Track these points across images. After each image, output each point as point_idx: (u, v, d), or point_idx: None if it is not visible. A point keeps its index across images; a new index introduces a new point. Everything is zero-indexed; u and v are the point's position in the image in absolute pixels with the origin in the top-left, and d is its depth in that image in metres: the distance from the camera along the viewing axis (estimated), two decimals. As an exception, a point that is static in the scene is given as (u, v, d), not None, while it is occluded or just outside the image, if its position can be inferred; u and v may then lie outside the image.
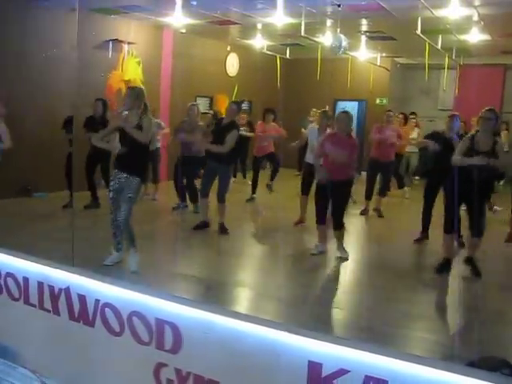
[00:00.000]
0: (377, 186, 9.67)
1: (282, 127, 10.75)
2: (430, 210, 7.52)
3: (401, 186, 11.01)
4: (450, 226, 6.13)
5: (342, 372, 2.41)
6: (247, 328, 2.68)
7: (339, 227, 6.68)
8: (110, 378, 3.24)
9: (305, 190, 8.41)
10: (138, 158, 5.77)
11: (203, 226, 7.93)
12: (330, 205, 6.66)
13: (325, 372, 2.45)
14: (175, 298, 3.01)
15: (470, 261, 6.16)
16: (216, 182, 7.81)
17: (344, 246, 6.83)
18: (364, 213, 9.46)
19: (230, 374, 2.77)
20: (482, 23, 9.51)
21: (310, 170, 8.00)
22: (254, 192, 10.42)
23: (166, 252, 7.18)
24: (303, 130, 12.35)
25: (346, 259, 6.74)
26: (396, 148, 9.69)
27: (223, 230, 7.84)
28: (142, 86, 6.08)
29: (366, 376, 2.36)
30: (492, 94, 13.95)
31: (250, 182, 10.66)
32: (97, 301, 3.20)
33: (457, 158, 5.95)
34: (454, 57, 12.42)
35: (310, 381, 2.49)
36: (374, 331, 4.57)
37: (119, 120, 5.85)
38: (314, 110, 13.60)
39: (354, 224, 8.75)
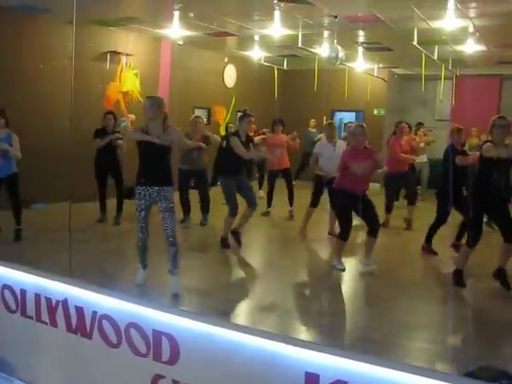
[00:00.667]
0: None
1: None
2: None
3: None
4: (474, 240, 6.02)
5: (340, 383, 2.40)
6: (244, 339, 2.68)
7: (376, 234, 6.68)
8: (107, 390, 3.23)
9: (314, 203, 8.44)
10: (166, 167, 5.60)
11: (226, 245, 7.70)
12: (366, 216, 6.61)
13: (322, 383, 2.44)
14: (172, 309, 3.01)
15: (500, 273, 6.07)
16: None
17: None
18: (385, 225, 9.13)
19: (228, 386, 2.76)
20: (478, 34, 9.58)
21: (321, 182, 8.05)
22: (269, 205, 10.25)
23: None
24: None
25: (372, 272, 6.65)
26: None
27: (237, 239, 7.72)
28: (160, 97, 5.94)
29: (364, 387, 2.35)
30: (488, 105, 14.03)
31: (265, 195, 10.55)
32: (94, 312, 3.19)
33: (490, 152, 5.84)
34: (450, 67, 12.48)
35: (308, 392, 2.48)
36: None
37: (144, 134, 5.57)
38: (313, 120, 13.68)
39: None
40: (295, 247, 8.17)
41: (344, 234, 6.64)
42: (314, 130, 13.86)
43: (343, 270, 6.68)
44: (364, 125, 6.80)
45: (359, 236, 8.04)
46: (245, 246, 7.73)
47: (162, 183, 5.51)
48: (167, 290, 5.65)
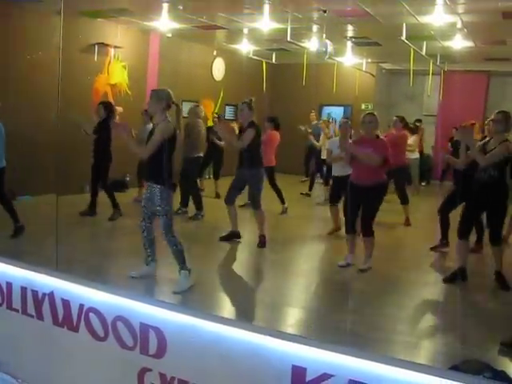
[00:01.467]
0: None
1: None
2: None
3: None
4: (463, 231, 6.06)
5: (326, 376, 2.42)
6: (231, 332, 2.69)
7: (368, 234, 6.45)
8: (94, 382, 3.22)
9: (332, 200, 8.20)
10: (154, 165, 5.36)
11: (233, 236, 7.45)
12: (361, 211, 6.45)
13: (309, 376, 2.46)
14: (160, 302, 3.02)
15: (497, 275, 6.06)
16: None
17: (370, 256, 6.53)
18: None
19: (215, 379, 2.77)
20: (466, 30, 9.62)
21: (337, 182, 7.87)
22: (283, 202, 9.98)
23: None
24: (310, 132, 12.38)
25: (366, 271, 6.45)
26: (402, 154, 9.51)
27: (263, 242, 7.32)
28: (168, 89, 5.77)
29: (350, 380, 2.37)
30: (476, 100, 14.11)
31: None
32: (81, 305, 3.19)
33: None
34: (438, 63, 12.53)
35: (294, 385, 2.50)
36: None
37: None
38: (313, 112, 13.67)
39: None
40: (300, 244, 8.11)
41: (346, 227, 6.62)
42: (316, 121, 13.73)
43: (344, 265, 6.53)
44: (375, 113, 6.57)
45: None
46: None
47: (149, 179, 5.43)
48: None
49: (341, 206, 7.43)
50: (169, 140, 5.30)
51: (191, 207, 9.05)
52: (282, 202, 9.76)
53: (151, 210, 5.45)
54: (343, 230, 7.18)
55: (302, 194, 11.93)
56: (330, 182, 8.91)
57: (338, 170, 7.92)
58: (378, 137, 6.40)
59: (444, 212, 7.33)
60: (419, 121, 13.39)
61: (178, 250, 5.40)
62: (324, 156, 10.77)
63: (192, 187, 9.08)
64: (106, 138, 8.48)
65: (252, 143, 7.09)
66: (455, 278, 6.03)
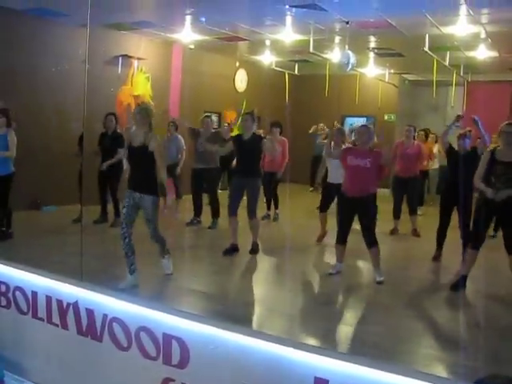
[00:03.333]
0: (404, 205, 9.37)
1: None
2: (446, 228, 7.41)
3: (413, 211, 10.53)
4: (476, 241, 6.01)
5: (349, 389, 2.41)
6: (254, 344, 2.69)
7: (372, 245, 6.34)
8: (116, 392, 3.24)
9: (323, 208, 8.29)
10: (147, 175, 5.65)
11: (233, 250, 7.34)
12: (361, 225, 6.37)
13: (331, 388, 2.45)
14: (182, 313, 3.02)
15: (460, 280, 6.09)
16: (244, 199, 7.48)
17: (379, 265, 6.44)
18: (394, 232, 9.13)
19: (237, 390, 2.77)
20: (490, 40, 9.56)
21: (330, 189, 7.86)
22: (268, 208, 10.14)
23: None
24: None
25: (382, 283, 6.33)
26: (420, 164, 9.49)
27: (255, 249, 7.45)
28: (151, 103, 6.03)
29: (373, 393, 2.35)
30: (500, 111, 13.94)
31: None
32: (105, 315, 3.21)
33: (476, 182, 6.00)
34: (461, 73, 12.46)
35: (317, 397, 2.48)
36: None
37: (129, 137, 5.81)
38: (322, 124, 13.63)
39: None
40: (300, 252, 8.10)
41: (337, 237, 6.53)
42: (322, 133, 13.75)
43: (331, 273, 6.55)
44: (369, 126, 6.63)
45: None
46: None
47: (141, 191, 5.63)
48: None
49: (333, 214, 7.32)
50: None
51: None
52: (276, 207, 10.07)
53: (134, 217, 5.74)
54: (330, 238, 7.32)
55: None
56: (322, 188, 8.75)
57: (334, 178, 7.72)
58: (371, 149, 6.30)
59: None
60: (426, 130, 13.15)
61: (164, 240, 5.99)
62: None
63: (213, 197, 9.20)
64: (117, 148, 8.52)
65: (254, 153, 7.24)
66: (461, 284, 6.08)
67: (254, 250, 7.45)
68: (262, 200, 9.13)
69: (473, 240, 6.09)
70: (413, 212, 9.25)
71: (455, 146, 7.28)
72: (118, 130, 8.80)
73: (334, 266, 6.66)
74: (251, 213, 7.31)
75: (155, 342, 3.00)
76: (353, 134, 11.83)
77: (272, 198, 10.06)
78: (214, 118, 13.05)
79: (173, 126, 9.67)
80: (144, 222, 5.78)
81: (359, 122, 15.49)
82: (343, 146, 7.70)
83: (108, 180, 8.81)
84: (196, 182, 9.17)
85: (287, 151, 9.79)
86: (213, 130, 9.30)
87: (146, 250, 6.23)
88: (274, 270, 7.32)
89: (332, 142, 7.27)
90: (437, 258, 7.46)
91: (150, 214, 5.67)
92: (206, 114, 9.33)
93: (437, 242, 7.50)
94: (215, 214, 9.11)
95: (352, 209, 6.29)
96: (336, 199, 7.25)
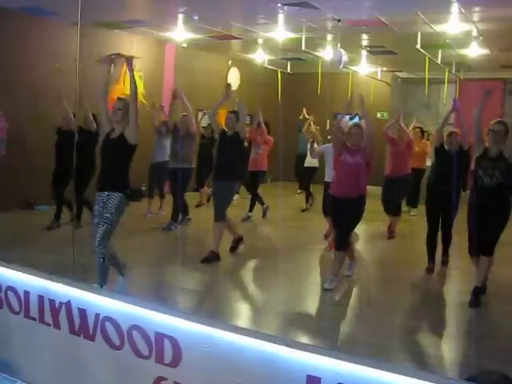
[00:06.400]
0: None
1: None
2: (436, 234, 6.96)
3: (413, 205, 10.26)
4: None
5: (341, 386, 2.41)
6: (246, 342, 2.69)
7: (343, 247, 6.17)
8: (109, 391, 3.24)
9: (327, 211, 7.75)
10: (115, 171, 5.27)
11: (214, 258, 6.93)
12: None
13: (323, 386, 2.45)
14: (175, 311, 3.02)
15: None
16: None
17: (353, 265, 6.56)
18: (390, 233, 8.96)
19: (230, 388, 2.77)
20: (482, 38, 9.58)
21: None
22: (250, 210, 10.00)
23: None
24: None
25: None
26: (410, 162, 9.25)
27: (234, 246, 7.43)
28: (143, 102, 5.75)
29: (365, 390, 2.36)
30: (492, 108, 13.96)
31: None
32: (97, 314, 3.21)
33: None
34: (453, 71, 12.49)
35: (309, 395, 2.49)
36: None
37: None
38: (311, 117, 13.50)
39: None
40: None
41: (337, 243, 6.22)
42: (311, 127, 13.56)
43: (330, 289, 6.07)
44: (361, 125, 6.47)
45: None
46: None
47: (110, 188, 5.20)
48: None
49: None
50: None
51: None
52: (251, 209, 9.98)
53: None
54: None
55: (302, 211, 11.15)
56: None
57: (331, 176, 7.35)
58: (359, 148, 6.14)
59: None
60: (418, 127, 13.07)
61: (104, 264, 5.19)
62: (307, 163, 11.11)
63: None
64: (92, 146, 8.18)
65: (233, 150, 7.05)
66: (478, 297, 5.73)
67: (234, 248, 7.42)
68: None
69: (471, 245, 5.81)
70: (396, 213, 9.03)
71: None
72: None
73: (330, 280, 6.13)
74: (223, 215, 7.06)
75: (147, 340, 3.00)
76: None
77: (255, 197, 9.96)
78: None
79: (164, 127, 9.51)
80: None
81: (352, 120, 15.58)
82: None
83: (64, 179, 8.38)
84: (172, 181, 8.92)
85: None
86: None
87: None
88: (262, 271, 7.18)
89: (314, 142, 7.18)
90: (430, 270, 6.86)
91: (106, 214, 5.12)
92: (183, 113, 9.11)
93: (427, 252, 6.91)
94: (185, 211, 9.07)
95: (344, 210, 6.04)
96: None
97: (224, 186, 7.03)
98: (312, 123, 11.49)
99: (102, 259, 5.13)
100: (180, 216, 8.92)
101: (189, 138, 8.78)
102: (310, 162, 10.83)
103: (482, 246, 5.64)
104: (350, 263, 6.58)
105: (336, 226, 6.37)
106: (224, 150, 7.12)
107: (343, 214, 6.07)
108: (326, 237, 8.36)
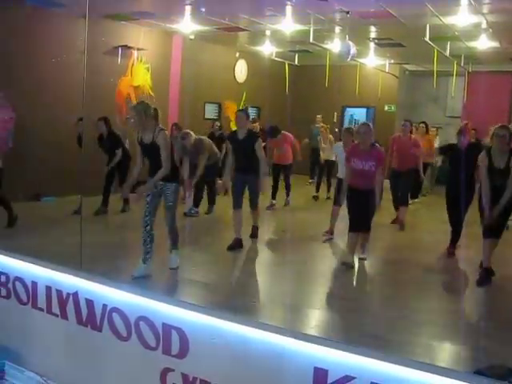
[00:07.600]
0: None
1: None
2: (456, 222, 7.32)
3: (414, 196, 10.63)
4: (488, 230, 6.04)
5: (348, 379, 2.41)
6: (253, 334, 2.69)
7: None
8: (116, 382, 3.25)
9: (337, 201, 8.17)
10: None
11: (237, 245, 7.26)
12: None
13: (330, 378, 2.45)
14: (182, 303, 3.03)
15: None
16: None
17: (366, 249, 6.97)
18: (396, 222, 9.22)
19: (236, 380, 2.78)
20: (491, 30, 9.50)
21: (341, 183, 7.81)
22: (273, 198, 10.43)
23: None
24: (306, 140, 12.44)
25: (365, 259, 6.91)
26: (416, 158, 9.26)
27: (255, 233, 7.77)
28: (151, 94, 6.03)
29: (372, 383, 2.36)
30: (500, 101, 13.91)
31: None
32: (104, 305, 3.22)
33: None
34: (462, 64, 12.40)
35: (316, 387, 2.49)
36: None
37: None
38: (319, 116, 13.52)
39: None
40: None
41: (350, 225, 6.70)
42: (319, 124, 13.58)
43: (350, 265, 6.57)
44: (370, 124, 6.74)
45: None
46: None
47: (163, 179, 5.77)
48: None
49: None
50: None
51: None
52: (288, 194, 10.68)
53: (156, 205, 5.91)
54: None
55: (314, 197, 11.77)
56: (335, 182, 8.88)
57: (342, 173, 7.76)
58: (373, 145, 6.53)
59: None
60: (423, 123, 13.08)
61: (177, 234, 6.08)
62: (323, 157, 11.73)
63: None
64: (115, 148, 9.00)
65: (249, 150, 7.26)
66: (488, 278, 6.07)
67: (254, 234, 7.76)
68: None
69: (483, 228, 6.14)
70: (403, 203, 9.23)
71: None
72: (115, 131, 9.16)
73: (347, 256, 6.71)
74: (253, 205, 7.57)
75: (155, 332, 3.00)
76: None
77: (285, 187, 10.62)
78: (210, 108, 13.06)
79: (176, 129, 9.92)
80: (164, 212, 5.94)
81: (359, 112, 15.57)
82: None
83: (114, 175, 9.18)
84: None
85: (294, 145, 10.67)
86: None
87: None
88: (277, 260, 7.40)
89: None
90: (451, 253, 7.35)
91: (170, 201, 5.84)
92: (175, 122, 9.54)
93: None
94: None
95: (358, 199, 6.56)
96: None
97: (250, 178, 7.33)
98: (321, 122, 12.28)
99: (175, 232, 6.06)
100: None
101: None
102: (329, 155, 11.38)
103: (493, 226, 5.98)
104: (363, 243, 6.88)
105: (352, 212, 6.73)
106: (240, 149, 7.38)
107: (360, 201, 6.52)
108: (325, 233, 8.35)
